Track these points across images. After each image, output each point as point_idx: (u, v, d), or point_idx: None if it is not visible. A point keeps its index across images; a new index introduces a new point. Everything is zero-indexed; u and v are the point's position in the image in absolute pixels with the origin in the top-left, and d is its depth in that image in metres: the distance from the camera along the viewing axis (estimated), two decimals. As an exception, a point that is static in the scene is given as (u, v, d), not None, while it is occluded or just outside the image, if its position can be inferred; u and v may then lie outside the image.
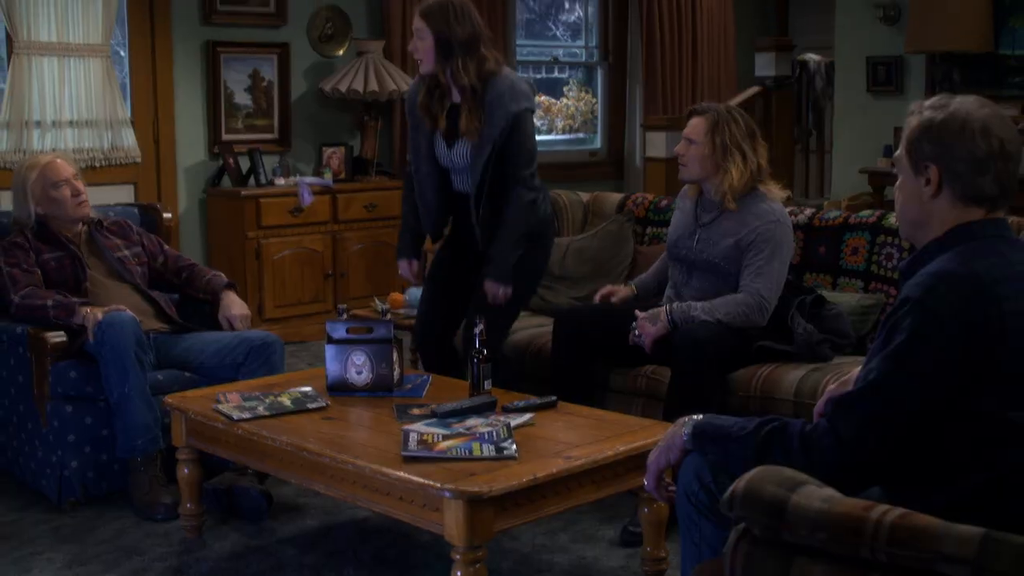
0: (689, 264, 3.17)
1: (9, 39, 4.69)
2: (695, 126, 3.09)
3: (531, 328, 3.53)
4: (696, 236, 3.16)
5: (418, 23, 3.00)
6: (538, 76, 6.90)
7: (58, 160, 3.36)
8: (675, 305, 3.06)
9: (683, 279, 3.19)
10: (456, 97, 3.06)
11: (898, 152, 1.77)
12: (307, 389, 2.76)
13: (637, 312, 3.10)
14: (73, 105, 4.83)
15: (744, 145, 3.06)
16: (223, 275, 3.50)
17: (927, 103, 1.75)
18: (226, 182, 5.28)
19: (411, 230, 3.31)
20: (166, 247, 3.56)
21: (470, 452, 2.26)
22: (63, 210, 3.31)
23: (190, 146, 5.27)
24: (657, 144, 5.83)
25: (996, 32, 5.15)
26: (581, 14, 7.03)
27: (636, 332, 3.07)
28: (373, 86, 5.33)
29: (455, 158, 3.12)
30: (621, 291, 3.35)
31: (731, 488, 1.53)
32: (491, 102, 2.99)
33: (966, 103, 1.70)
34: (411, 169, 3.25)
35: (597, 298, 3.34)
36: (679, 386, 2.92)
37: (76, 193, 3.33)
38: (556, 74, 6.98)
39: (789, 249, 3.09)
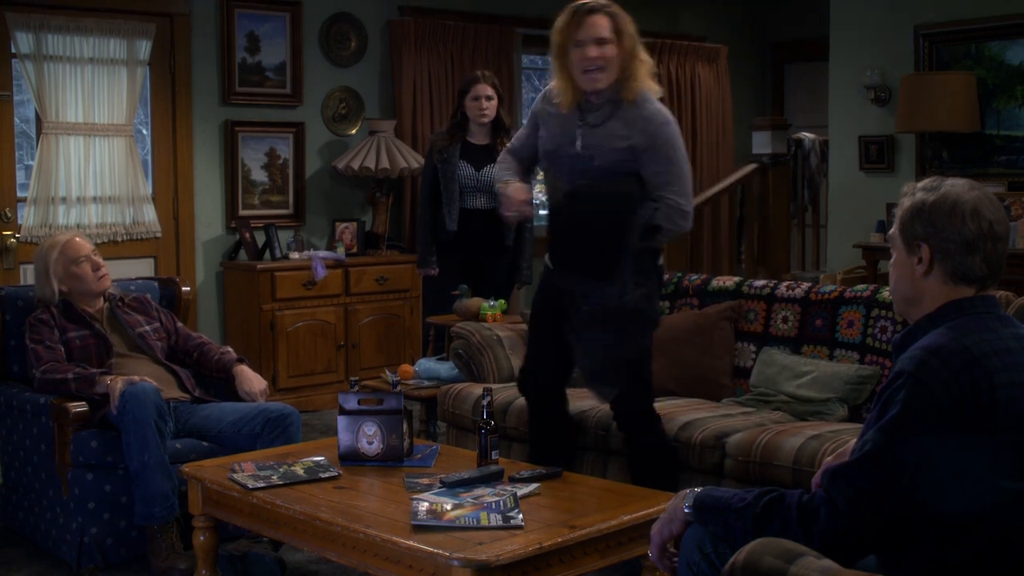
0: (575, 172, 2.89)
1: (39, 119, 4.88)
2: (602, 25, 2.77)
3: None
4: (579, 141, 2.86)
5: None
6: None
7: (76, 238, 3.47)
8: None
9: (567, 187, 2.92)
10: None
11: (892, 231, 1.83)
12: (320, 459, 2.81)
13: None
14: (97, 182, 4.99)
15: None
16: (232, 351, 3.57)
17: (919, 185, 1.80)
18: (242, 256, 5.41)
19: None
20: (179, 325, 3.63)
21: (478, 521, 2.31)
22: (85, 285, 3.42)
23: (208, 221, 5.41)
24: (659, 219, 5.92)
25: (982, 113, 5.32)
26: (586, 93, 7.25)
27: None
28: (384, 164, 5.49)
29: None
30: (517, 192, 2.96)
31: (731, 560, 1.56)
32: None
33: (957, 186, 1.76)
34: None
35: (510, 210, 2.97)
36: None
37: (96, 267, 3.43)
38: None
39: (680, 139, 2.89)
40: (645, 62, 2.86)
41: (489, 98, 4.55)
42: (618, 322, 2.85)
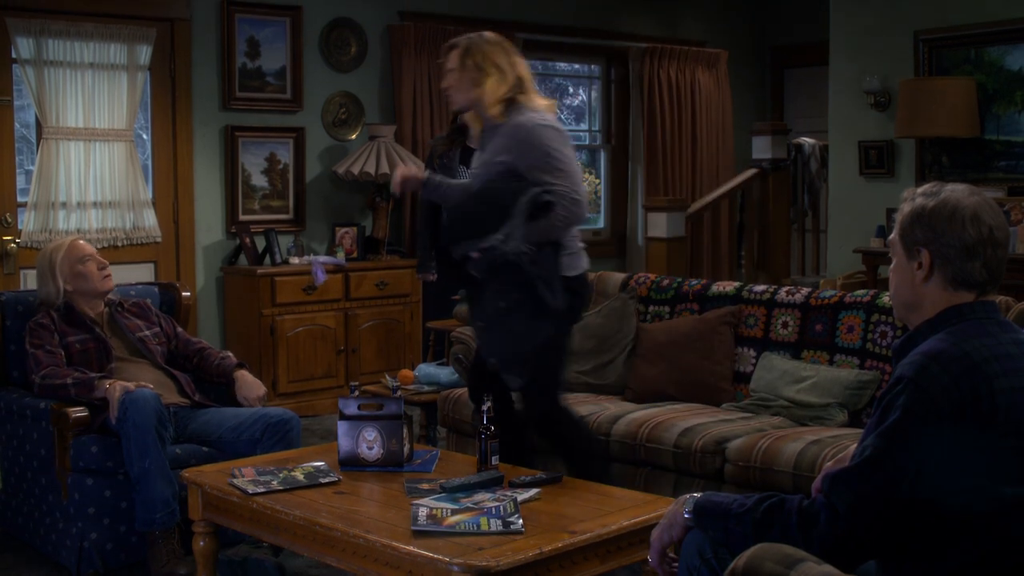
0: None
1: (39, 124, 4.89)
2: (451, 58, 3.15)
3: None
4: (478, 161, 3.18)
5: None
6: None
7: (80, 240, 3.51)
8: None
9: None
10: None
11: (892, 236, 1.84)
12: (320, 464, 2.81)
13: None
14: (97, 187, 5.00)
15: (500, 61, 3.11)
16: (232, 356, 3.57)
17: (919, 190, 1.80)
18: (242, 261, 5.42)
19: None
20: (179, 330, 3.64)
21: (478, 527, 2.31)
22: (91, 284, 3.43)
23: (208, 226, 5.42)
24: (658, 224, 5.94)
25: (981, 118, 5.34)
26: (585, 99, 7.23)
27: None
28: (384, 168, 5.50)
29: None
30: (411, 170, 3.30)
31: (731, 565, 1.57)
32: None
33: (956, 191, 1.76)
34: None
35: (398, 182, 3.23)
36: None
37: (102, 267, 3.46)
38: (561, 155, 7.18)
39: (560, 139, 3.02)
40: (489, 77, 3.08)
41: None
42: (503, 277, 2.91)
